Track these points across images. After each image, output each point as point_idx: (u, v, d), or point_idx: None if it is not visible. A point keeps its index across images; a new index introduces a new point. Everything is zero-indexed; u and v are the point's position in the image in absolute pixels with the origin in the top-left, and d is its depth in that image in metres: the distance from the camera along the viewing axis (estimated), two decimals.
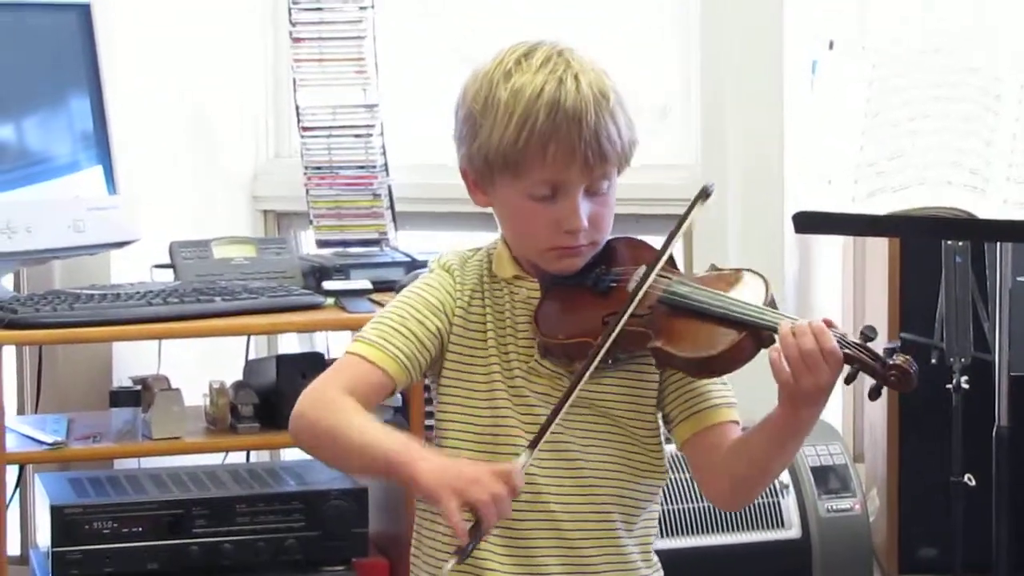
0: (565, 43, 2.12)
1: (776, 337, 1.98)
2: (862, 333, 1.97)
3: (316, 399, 2.07)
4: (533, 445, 2.00)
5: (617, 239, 2.16)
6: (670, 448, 2.17)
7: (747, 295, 2.04)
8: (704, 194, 2.11)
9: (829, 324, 1.97)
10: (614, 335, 2.02)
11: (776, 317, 1.99)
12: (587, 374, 2.02)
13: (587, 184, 2.08)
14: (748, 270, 2.11)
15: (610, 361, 2.07)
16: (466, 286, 2.15)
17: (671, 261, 2.11)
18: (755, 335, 2.00)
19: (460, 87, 2.14)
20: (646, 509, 2.16)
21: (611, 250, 2.15)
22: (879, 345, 1.97)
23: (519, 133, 2.05)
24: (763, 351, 2.01)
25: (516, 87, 2.07)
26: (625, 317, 2.02)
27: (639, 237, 2.18)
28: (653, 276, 2.05)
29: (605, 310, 2.07)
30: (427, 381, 2.20)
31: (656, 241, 2.16)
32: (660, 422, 2.15)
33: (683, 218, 2.10)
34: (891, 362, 1.94)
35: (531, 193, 2.07)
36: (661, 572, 2.20)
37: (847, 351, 1.95)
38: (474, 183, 2.14)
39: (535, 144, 2.05)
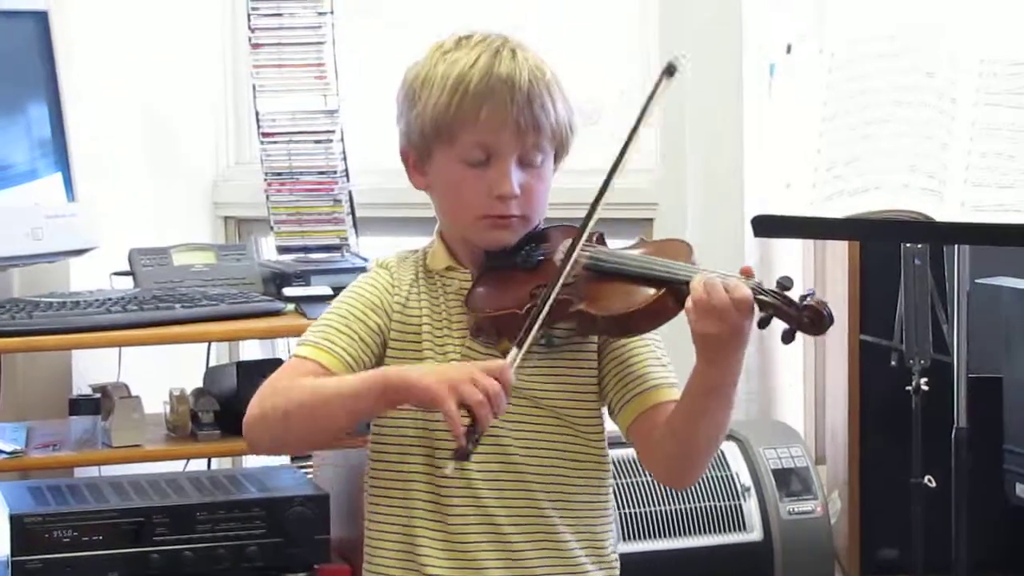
0: (505, 32, 2.17)
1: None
2: (778, 282, 2.00)
3: (269, 395, 2.10)
4: (520, 343, 2.02)
5: (548, 225, 2.19)
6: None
7: (670, 256, 2.08)
8: (669, 70, 2.13)
9: (748, 272, 2.01)
10: (556, 289, 2.04)
11: (693, 271, 2.02)
12: (529, 339, 2.03)
13: (520, 152, 2.12)
14: (673, 238, 2.16)
15: (544, 341, 2.09)
16: (403, 282, 2.18)
17: (602, 239, 2.15)
18: (674, 291, 2.03)
19: (402, 75, 2.20)
20: (588, 504, 2.16)
21: (543, 233, 2.18)
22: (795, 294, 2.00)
23: (452, 96, 2.10)
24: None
25: (453, 59, 2.13)
26: (561, 277, 2.05)
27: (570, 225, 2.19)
28: (583, 240, 2.08)
29: (533, 283, 2.10)
30: None
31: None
32: (604, 415, 2.17)
33: (649, 99, 2.14)
34: (804, 303, 1.98)
35: (464, 158, 2.12)
36: (616, 572, 2.19)
37: (760, 297, 1.98)
38: (414, 164, 2.19)
39: (468, 106, 2.09)
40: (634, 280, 2.06)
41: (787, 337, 2.00)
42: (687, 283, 2.01)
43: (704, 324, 1.98)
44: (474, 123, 2.10)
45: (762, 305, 1.99)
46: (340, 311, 2.16)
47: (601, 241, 2.15)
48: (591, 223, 2.09)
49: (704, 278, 1.99)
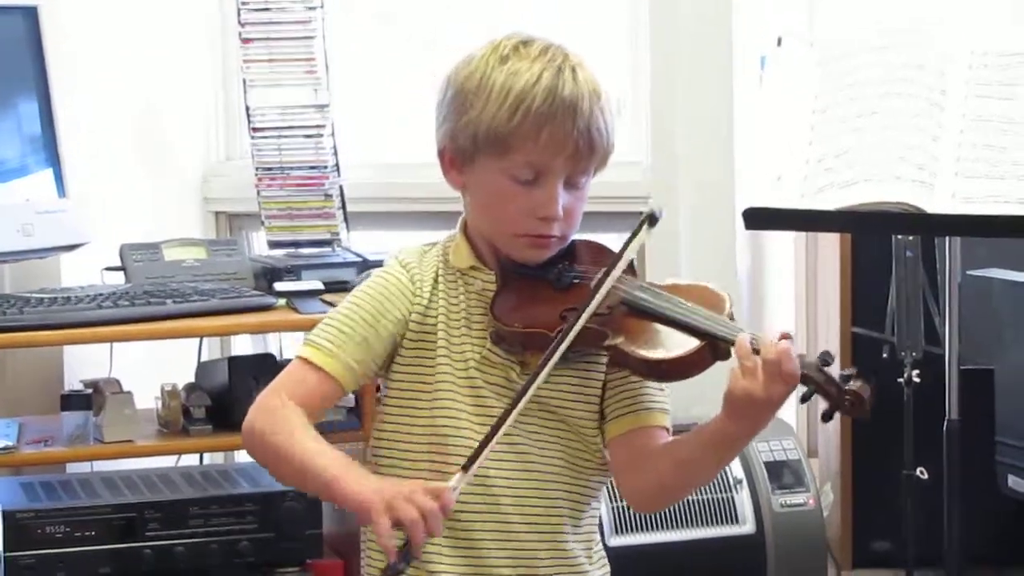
0: (559, 40, 2.13)
1: (732, 351, 1.98)
2: (821, 356, 1.97)
3: (265, 411, 2.08)
4: (467, 467, 1.99)
5: (579, 241, 2.16)
6: None
7: (708, 307, 2.04)
8: (651, 220, 2.08)
9: (788, 338, 1.97)
10: (577, 328, 2.02)
11: (737, 329, 1.99)
12: (545, 370, 2.01)
13: (569, 174, 2.09)
14: (709, 284, 2.11)
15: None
16: (424, 282, 2.14)
17: (631, 269, 2.11)
18: (713, 346, 2.00)
19: (447, 71, 2.14)
20: (589, 506, 2.16)
21: (573, 249, 2.15)
22: (834, 371, 1.98)
23: (514, 112, 2.05)
24: (717, 364, 2.01)
25: (512, 70, 2.07)
26: (588, 312, 2.02)
27: (598, 240, 2.18)
28: (617, 273, 2.05)
29: (564, 305, 2.07)
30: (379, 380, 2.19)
31: (604, 239, 2.17)
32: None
33: (629, 240, 2.08)
34: (847, 387, 1.95)
35: (513, 175, 2.08)
36: (607, 567, 2.20)
37: (805, 372, 1.95)
38: (451, 162, 2.13)
39: (529, 126, 2.05)
40: (673, 325, 2.02)
41: (826, 417, 1.97)
42: (728, 340, 1.98)
43: (749, 385, 1.95)
44: (533, 144, 2.06)
45: (805, 380, 1.95)
46: (352, 312, 2.12)
47: (632, 271, 2.11)
48: (630, 254, 2.06)
49: (753, 338, 1.96)
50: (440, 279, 2.15)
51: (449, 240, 2.18)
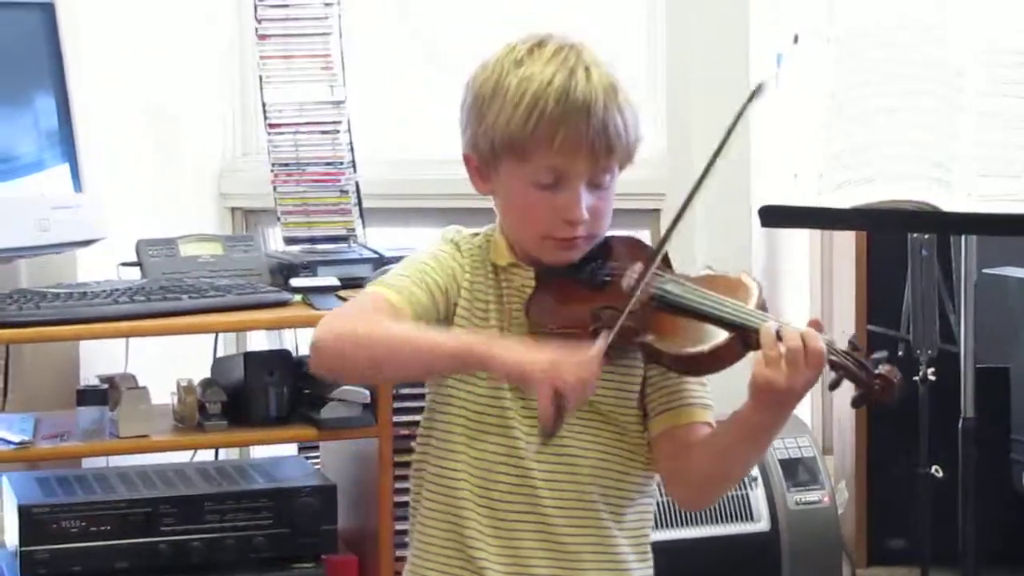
0: (575, 38, 2.12)
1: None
2: (849, 342, 1.97)
3: (349, 317, 2.07)
4: (611, 327, 1.99)
5: (614, 237, 2.16)
6: None
7: (738, 298, 2.04)
8: (758, 91, 2.09)
9: (818, 326, 1.98)
10: (620, 323, 2.01)
11: (765, 318, 1.99)
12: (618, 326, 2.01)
13: (591, 175, 2.08)
14: (743, 273, 2.11)
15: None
16: (473, 264, 2.15)
17: (666, 261, 2.11)
18: (743, 337, 1.99)
19: (467, 77, 2.14)
20: (635, 502, 2.15)
21: (607, 246, 2.15)
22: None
23: (528, 117, 2.05)
24: (751, 354, 2.01)
25: (526, 74, 2.07)
26: (627, 312, 2.01)
27: (637, 236, 2.18)
28: (651, 273, 2.05)
29: (597, 303, 2.07)
30: None
31: (631, 234, 2.17)
32: None
33: (736, 119, 2.09)
34: (877, 371, 1.95)
35: (534, 180, 2.08)
36: (651, 567, 2.19)
37: (833, 357, 1.95)
38: (476, 169, 2.14)
39: (543, 130, 2.05)
40: (704, 319, 2.02)
41: (858, 402, 1.98)
42: (757, 330, 1.98)
43: (771, 374, 1.95)
44: (548, 147, 2.05)
45: (833, 366, 1.95)
46: (416, 266, 2.13)
47: (667, 263, 2.11)
48: (662, 252, 2.06)
49: (779, 327, 1.96)
50: (488, 269, 2.15)
51: (490, 234, 2.18)
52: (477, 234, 2.19)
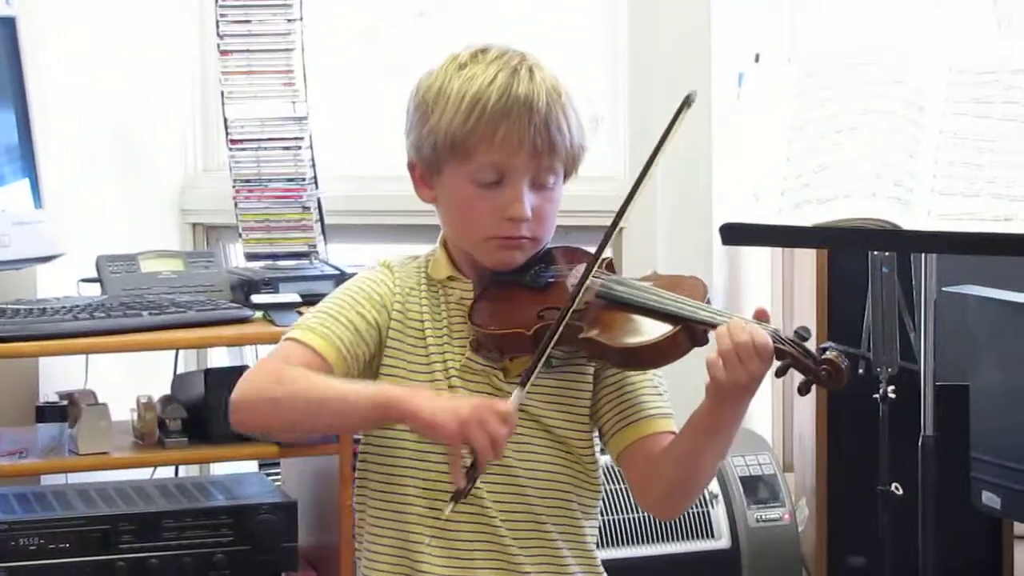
0: (520, 47, 2.15)
1: (710, 336, 1.99)
2: (796, 332, 1.99)
3: (264, 376, 2.07)
4: (523, 383, 2.00)
5: (555, 246, 2.17)
6: (604, 459, 2.18)
7: (684, 295, 2.05)
8: (687, 102, 2.11)
9: (764, 315, 2.00)
10: (566, 318, 2.02)
11: (712, 314, 2.01)
12: (546, 353, 2.02)
13: (533, 174, 2.09)
14: (691, 276, 2.12)
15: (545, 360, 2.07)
16: (406, 284, 2.15)
17: (610, 265, 2.13)
18: (689, 330, 2.01)
19: (414, 84, 2.16)
20: (585, 521, 2.16)
21: (547, 253, 2.16)
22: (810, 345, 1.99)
23: (469, 114, 2.07)
24: (696, 351, 2.03)
25: (469, 75, 2.10)
26: (574, 304, 2.02)
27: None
28: (596, 266, 2.06)
29: (542, 304, 2.08)
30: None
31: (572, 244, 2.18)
32: (595, 437, 2.16)
33: (668, 130, 2.13)
34: (823, 357, 1.97)
35: (477, 178, 2.09)
36: None
37: (780, 346, 1.97)
38: (420, 176, 2.15)
39: (485, 126, 2.06)
40: (648, 313, 2.03)
41: (804, 388, 1.99)
42: (703, 323, 2.00)
43: (723, 369, 1.97)
44: (490, 143, 2.07)
45: (780, 354, 1.97)
46: (338, 301, 2.13)
47: (610, 268, 2.13)
48: (606, 248, 2.08)
49: (729, 324, 1.97)
50: (423, 288, 2.16)
51: (430, 254, 2.19)
52: (417, 257, 2.20)
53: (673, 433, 2.11)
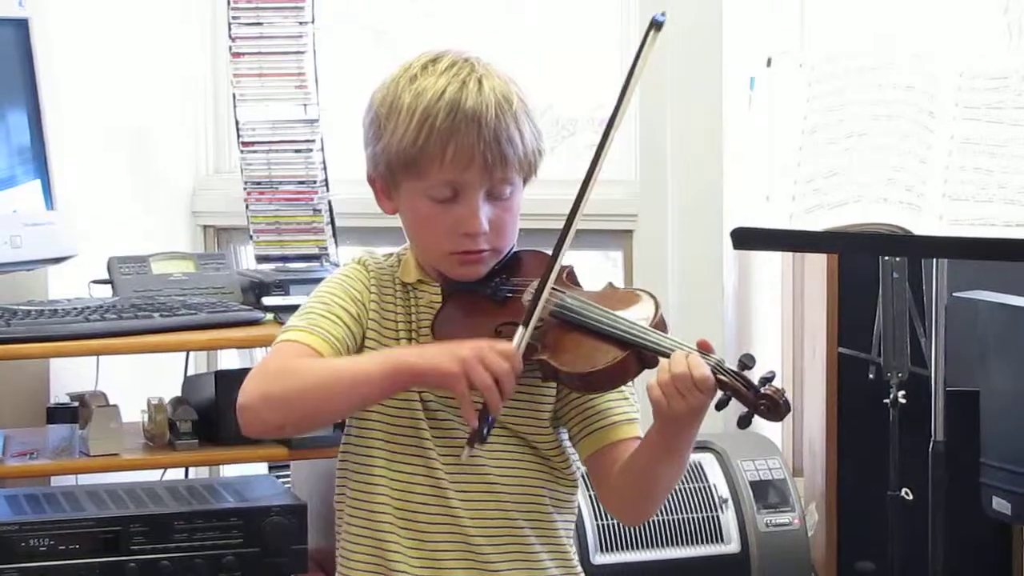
0: (473, 52, 2.14)
1: (659, 359, 2.00)
2: (740, 361, 1.99)
3: (269, 374, 2.06)
4: (526, 323, 2.01)
5: (523, 250, 2.17)
6: None
7: (637, 315, 2.05)
8: (654, 24, 2.10)
9: (707, 347, 1.99)
10: (528, 335, 2.02)
11: (660, 340, 2.01)
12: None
13: (488, 187, 2.09)
14: (642, 290, 2.12)
15: None
16: (381, 281, 2.16)
17: (572, 276, 2.13)
18: (638, 355, 2.02)
19: (368, 96, 2.17)
20: (559, 519, 2.16)
21: (516, 260, 2.16)
22: (757, 373, 1.99)
23: (419, 132, 2.07)
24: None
25: (419, 89, 2.09)
26: (530, 330, 2.02)
27: (541, 252, 2.17)
28: (547, 292, 2.05)
29: (499, 320, 2.08)
30: None
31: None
32: (565, 437, 2.16)
33: (636, 58, 2.11)
34: (762, 391, 1.96)
35: (432, 195, 2.09)
36: None
37: (720, 377, 1.97)
38: (381, 190, 2.16)
39: (434, 144, 2.06)
40: (599, 337, 2.04)
41: (743, 422, 2.00)
42: (651, 350, 2.00)
43: (663, 398, 1.97)
44: (440, 161, 2.06)
45: (721, 385, 1.97)
46: (321, 299, 2.14)
47: (571, 277, 2.12)
48: (556, 267, 2.06)
49: (668, 352, 1.98)
50: (397, 288, 2.16)
51: (402, 253, 2.20)
52: (390, 255, 2.20)
53: (639, 438, 2.12)
